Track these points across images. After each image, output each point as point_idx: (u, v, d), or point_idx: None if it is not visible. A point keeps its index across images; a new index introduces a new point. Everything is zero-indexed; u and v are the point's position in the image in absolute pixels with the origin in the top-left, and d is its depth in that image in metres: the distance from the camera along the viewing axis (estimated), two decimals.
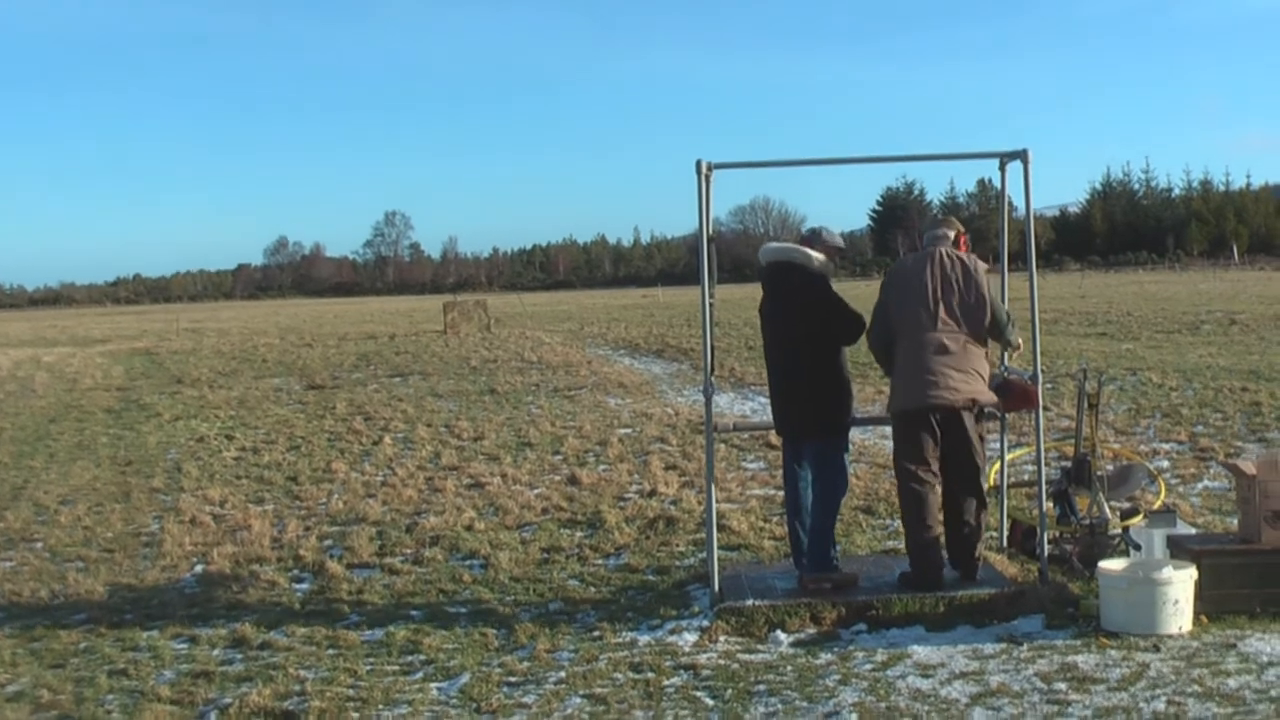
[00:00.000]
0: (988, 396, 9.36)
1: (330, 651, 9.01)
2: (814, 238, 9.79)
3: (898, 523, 11.62)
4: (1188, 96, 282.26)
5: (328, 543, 12.34)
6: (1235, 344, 30.43)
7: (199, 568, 11.61)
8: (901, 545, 10.53)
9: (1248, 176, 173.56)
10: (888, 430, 15.69)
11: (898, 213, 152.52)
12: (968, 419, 9.29)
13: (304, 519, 13.49)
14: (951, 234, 9.63)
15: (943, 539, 9.50)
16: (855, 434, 10.04)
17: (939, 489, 9.44)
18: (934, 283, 9.28)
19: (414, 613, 9.88)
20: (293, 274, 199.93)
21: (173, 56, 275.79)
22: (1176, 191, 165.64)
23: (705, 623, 9.12)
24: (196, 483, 15.96)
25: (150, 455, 18.81)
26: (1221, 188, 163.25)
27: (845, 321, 9.54)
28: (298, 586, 10.84)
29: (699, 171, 9.50)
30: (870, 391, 21.00)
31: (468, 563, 11.36)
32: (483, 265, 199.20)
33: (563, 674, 8.27)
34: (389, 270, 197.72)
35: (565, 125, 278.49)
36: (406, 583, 10.76)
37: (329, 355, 39.96)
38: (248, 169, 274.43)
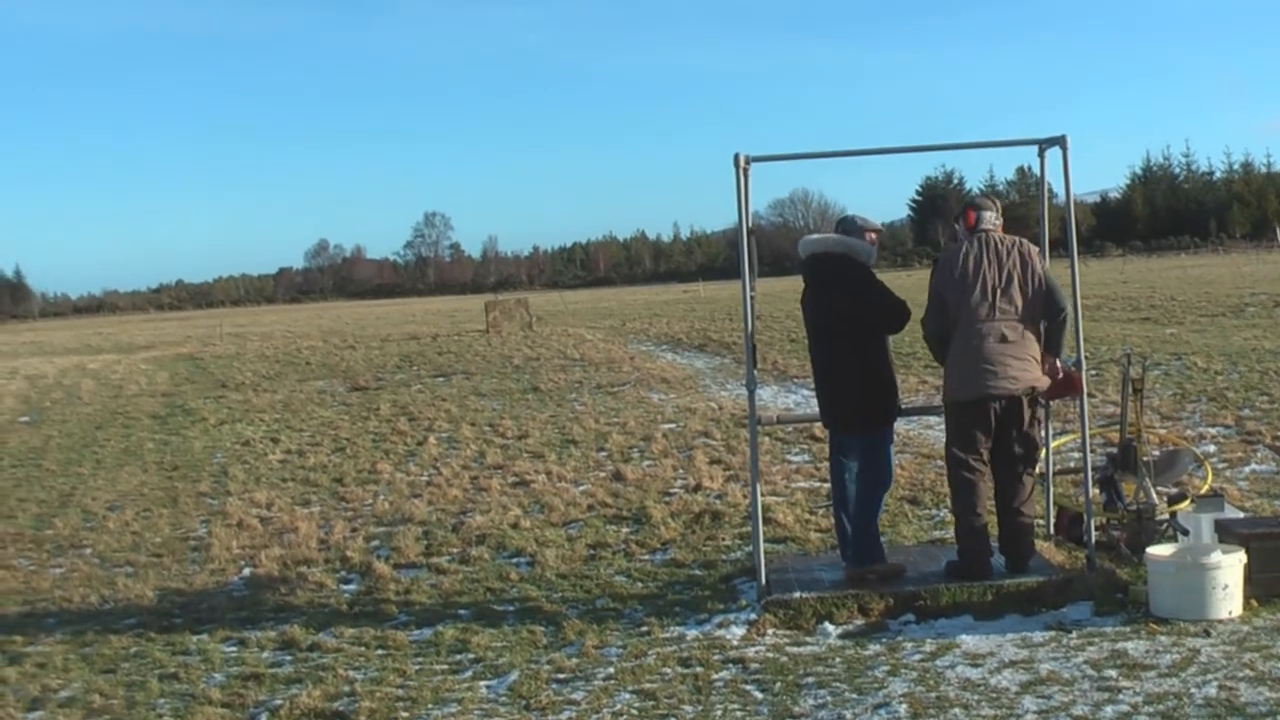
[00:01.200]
0: (1044, 382, 9.31)
1: (379, 652, 9.03)
2: (849, 225, 9.74)
3: (944, 513, 11.62)
4: (1226, 79, 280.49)
5: (374, 543, 12.38)
6: None
7: (247, 571, 11.66)
8: (947, 535, 10.52)
9: None
10: (931, 420, 15.76)
11: (937, 202, 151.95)
12: (1026, 407, 9.25)
13: (350, 520, 13.53)
14: (999, 218, 9.55)
15: (990, 528, 9.48)
16: (899, 425, 10.00)
17: (988, 478, 9.41)
18: (991, 270, 9.21)
19: (462, 611, 9.90)
20: (334, 276, 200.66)
21: (213, 60, 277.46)
22: (1218, 174, 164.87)
23: (753, 616, 9.12)
24: (243, 486, 16.03)
25: (196, 460, 18.89)
26: (1263, 169, 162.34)
27: (888, 310, 9.49)
28: (345, 588, 10.87)
29: (737, 165, 9.50)
30: (914, 382, 20.96)
31: (514, 561, 11.38)
32: (523, 264, 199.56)
33: (611, 670, 8.28)
34: (430, 271, 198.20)
35: (603, 122, 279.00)
36: (454, 582, 10.78)
37: (372, 357, 40.04)
38: (287, 172, 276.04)
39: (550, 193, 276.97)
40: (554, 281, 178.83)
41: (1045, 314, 9.33)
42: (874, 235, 9.72)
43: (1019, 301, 9.20)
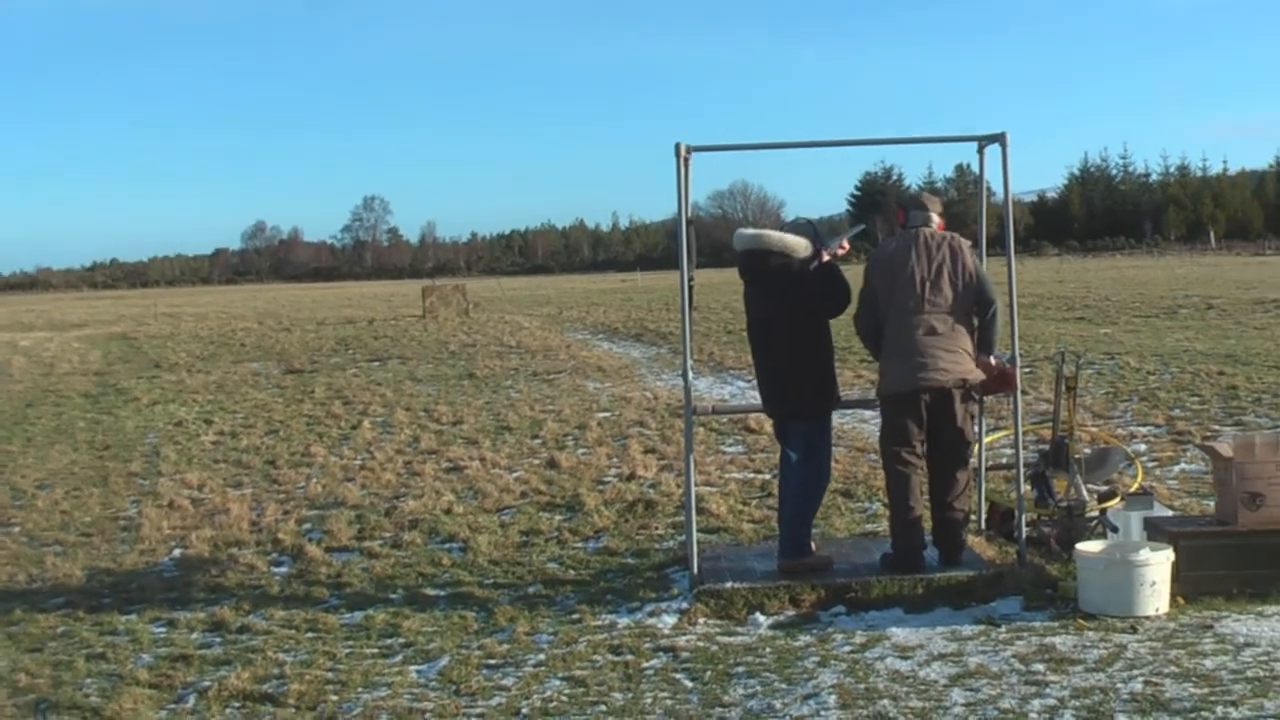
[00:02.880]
0: (976, 375, 9.37)
1: (309, 635, 9.01)
2: (793, 227, 9.77)
3: (876, 505, 11.68)
4: (1164, 82, 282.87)
5: (306, 526, 12.33)
6: (1212, 328, 30.54)
7: (177, 552, 11.59)
8: (880, 528, 10.57)
9: (1224, 162, 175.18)
10: (866, 414, 15.83)
11: (876, 198, 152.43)
12: (957, 399, 9.31)
13: (283, 503, 13.47)
14: (934, 215, 9.61)
15: (924, 521, 9.53)
16: (834, 418, 10.03)
17: (923, 471, 9.46)
18: (921, 265, 9.27)
19: (393, 596, 9.88)
20: (271, 259, 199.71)
21: (149, 41, 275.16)
22: (1154, 177, 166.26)
23: (684, 605, 9.13)
24: (175, 467, 15.93)
25: (128, 440, 18.76)
26: (1199, 173, 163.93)
27: (827, 295, 9.52)
28: (276, 570, 10.83)
29: (678, 154, 9.51)
30: (849, 375, 21.03)
31: (447, 546, 11.36)
32: (461, 250, 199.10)
33: (542, 656, 8.28)
34: (367, 255, 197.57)
35: (543, 110, 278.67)
36: (385, 566, 10.75)
37: (307, 340, 39.90)
38: (225, 153, 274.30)
39: (489, 179, 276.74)
40: (492, 268, 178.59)
41: (976, 308, 9.40)
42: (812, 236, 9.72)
43: (949, 295, 9.26)
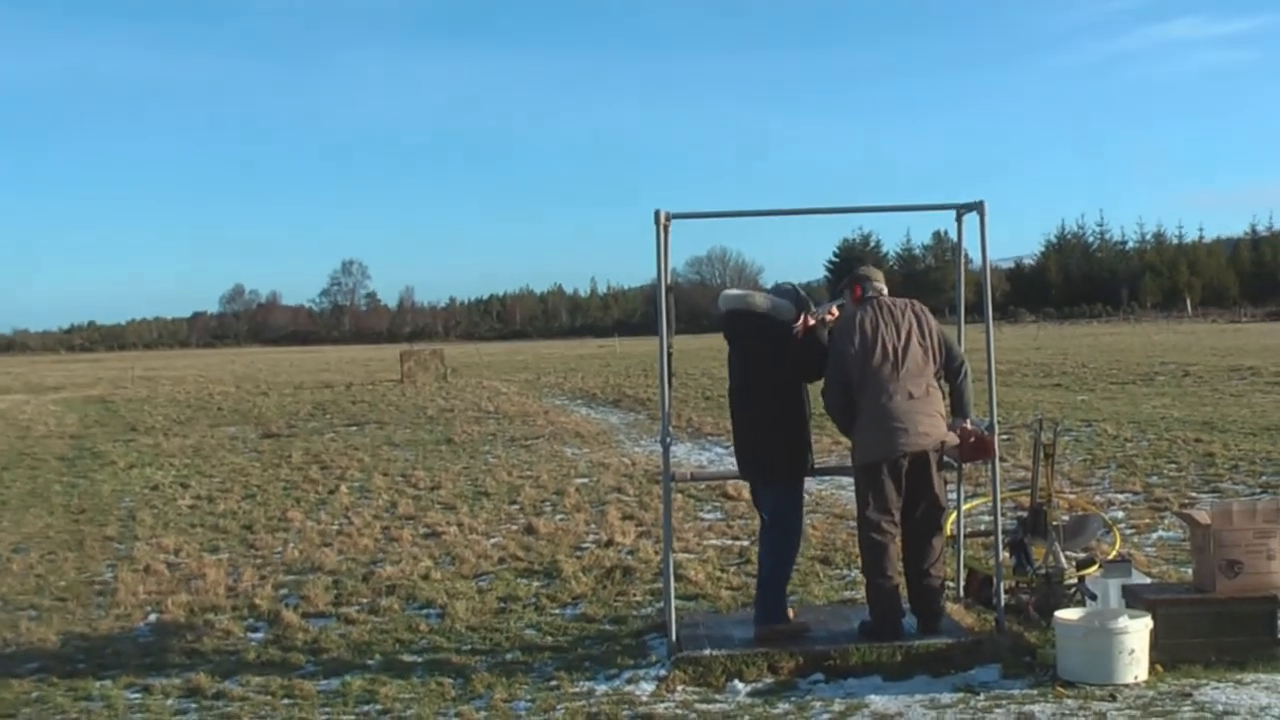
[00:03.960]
0: (952, 438, 9.40)
1: (285, 701, 8.96)
2: (777, 291, 9.84)
3: (855, 573, 11.65)
4: (1140, 151, 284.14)
5: (283, 591, 12.28)
6: (1189, 395, 30.64)
7: (153, 617, 11.53)
8: (858, 595, 10.55)
9: (1200, 229, 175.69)
10: (844, 481, 15.79)
11: (854, 264, 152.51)
12: (934, 463, 9.33)
13: (259, 568, 13.42)
14: (883, 285, 9.70)
15: (902, 588, 9.52)
16: (811, 485, 10.04)
17: (899, 540, 9.46)
18: (889, 331, 9.31)
19: (370, 662, 9.84)
20: (249, 322, 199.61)
21: (130, 104, 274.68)
22: (1130, 244, 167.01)
23: (663, 672, 9.11)
24: (151, 531, 15.87)
25: (104, 503, 18.70)
26: (1174, 241, 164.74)
27: (809, 360, 9.56)
28: (253, 635, 10.78)
29: (657, 221, 9.54)
30: (827, 442, 21.03)
31: (424, 612, 11.32)
32: (439, 315, 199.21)
33: None
34: (345, 319, 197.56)
35: (522, 175, 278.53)
36: (363, 632, 10.71)
37: (285, 404, 39.85)
38: (204, 216, 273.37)
39: (468, 244, 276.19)
40: (470, 333, 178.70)
41: (946, 370, 9.45)
42: (796, 301, 9.77)
43: (920, 359, 9.31)
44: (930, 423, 9.26)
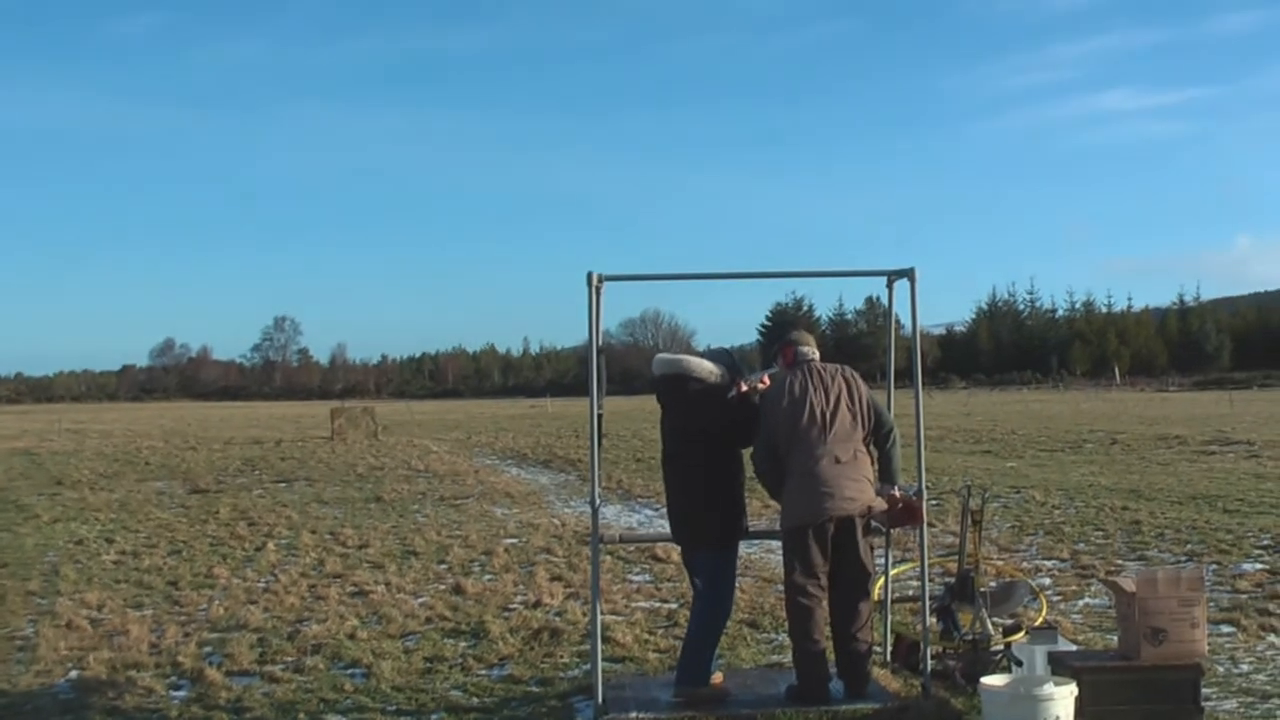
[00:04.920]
0: (879, 503, 9.44)
1: None
2: (711, 355, 9.88)
3: (782, 637, 11.64)
4: (1072, 221, 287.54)
5: (207, 649, 12.15)
6: (1116, 463, 30.86)
7: (74, 673, 11.39)
8: (785, 659, 10.55)
9: (1129, 299, 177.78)
10: (773, 544, 15.81)
11: (786, 328, 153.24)
12: (860, 529, 9.35)
13: (184, 624, 13.29)
14: (814, 350, 9.76)
15: (829, 653, 9.52)
16: (741, 548, 10.05)
17: (826, 603, 9.47)
18: (818, 395, 9.36)
19: None
20: (179, 376, 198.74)
21: (55, 152, 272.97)
22: (1060, 312, 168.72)
23: None
24: (74, 586, 15.70)
25: (27, 557, 18.50)
26: (1104, 309, 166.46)
27: (741, 425, 9.58)
28: (175, 694, 10.65)
29: (590, 283, 9.55)
30: (757, 505, 21.04)
31: (350, 671, 11.22)
32: (371, 372, 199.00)
33: None
34: (276, 375, 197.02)
35: (455, 234, 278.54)
36: (287, 691, 10.60)
37: (213, 459, 39.60)
38: (134, 269, 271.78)
39: (401, 302, 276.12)
40: (402, 391, 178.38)
41: (875, 436, 9.49)
42: (728, 365, 9.81)
43: (848, 424, 9.35)
44: (856, 488, 9.30)
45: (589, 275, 9.56)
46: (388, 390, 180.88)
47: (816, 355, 9.73)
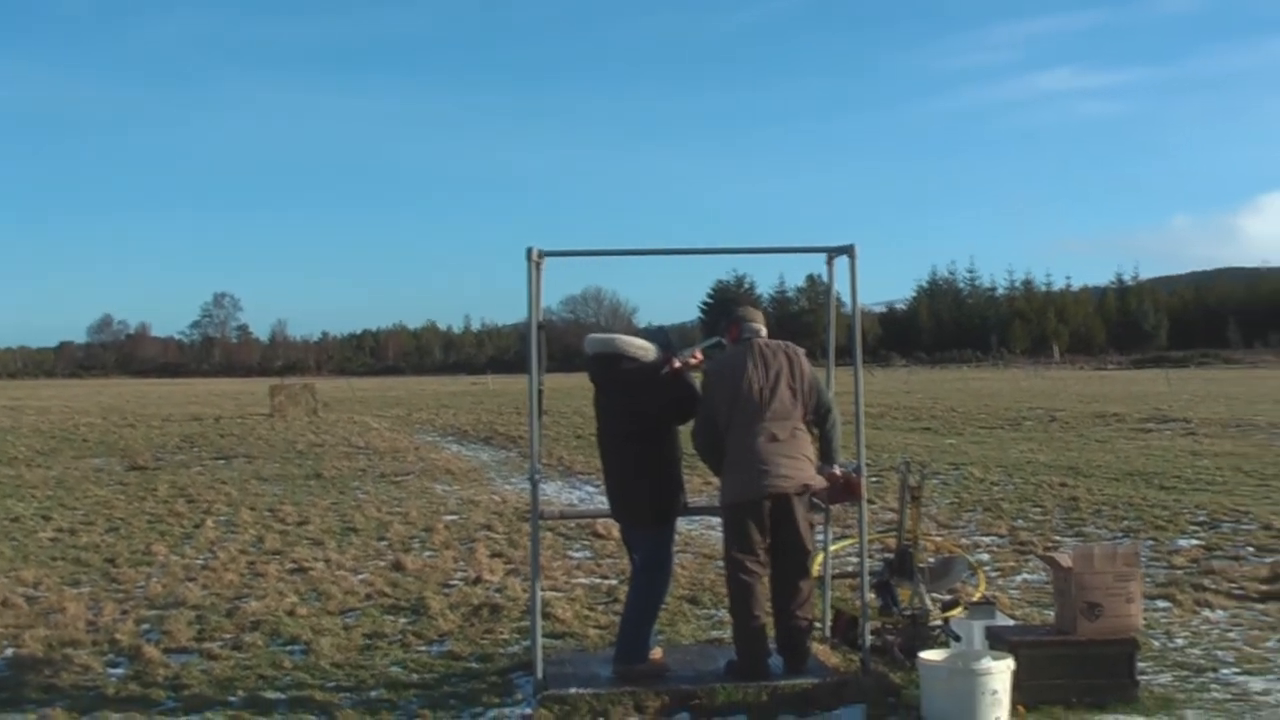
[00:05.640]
0: (817, 481, 9.44)
1: None
2: (645, 333, 9.86)
3: (722, 612, 11.66)
4: (1011, 201, 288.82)
5: (145, 626, 12.08)
6: (1055, 440, 31.07)
7: (9, 651, 11.29)
8: (726, 635, 10.57)
9: (1068, 279, 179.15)
10: (713, 521, 15.84)
11: (728, 305, 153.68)
12: (798, 506, 9.34)
13: (121, 602, 13.21)
14: (761, 326, 9.75)
15: (769, 628, 9.54)
16: (681, 525, 10.06)
17: (766, 579, 9.49)
18: (759, 373, 9.36)
19: (232, 699, 9.69)
20: (117, 353, 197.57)
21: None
22: (1000, 291, 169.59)
23: (528, 711, 9.06)
24: (10, 564, 15.58)
25: None
26: (1043, 288, 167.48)
27: (675, 402, 9.57)
28: (112, 671, 10.58)
29: (529, 259, 9.53)
30: (698, 482, 21.08)
31: (289, 648, 11.18)
32: (312, 349, 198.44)
33: None
34: (216, 352, 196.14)
35: (397, 211, 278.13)
36: (225, 668, 10.56)
37: (152, 436, 39.39)
38: (72, 245, 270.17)
39: (342, 279, 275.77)
40: (342, 368, 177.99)
41: (814, 416, 9.50)
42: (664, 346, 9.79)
43: (787, 402, 9.34)
44: (792, 465, 9.29)
45: (529, 250, 9.54)
46: (328, 367, 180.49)
47: (763, 332, 9.72)
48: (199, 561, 15.53)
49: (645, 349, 9.58)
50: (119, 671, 10.56)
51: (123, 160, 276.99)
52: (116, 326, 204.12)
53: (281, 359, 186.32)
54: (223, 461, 29.97)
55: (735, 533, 9.44)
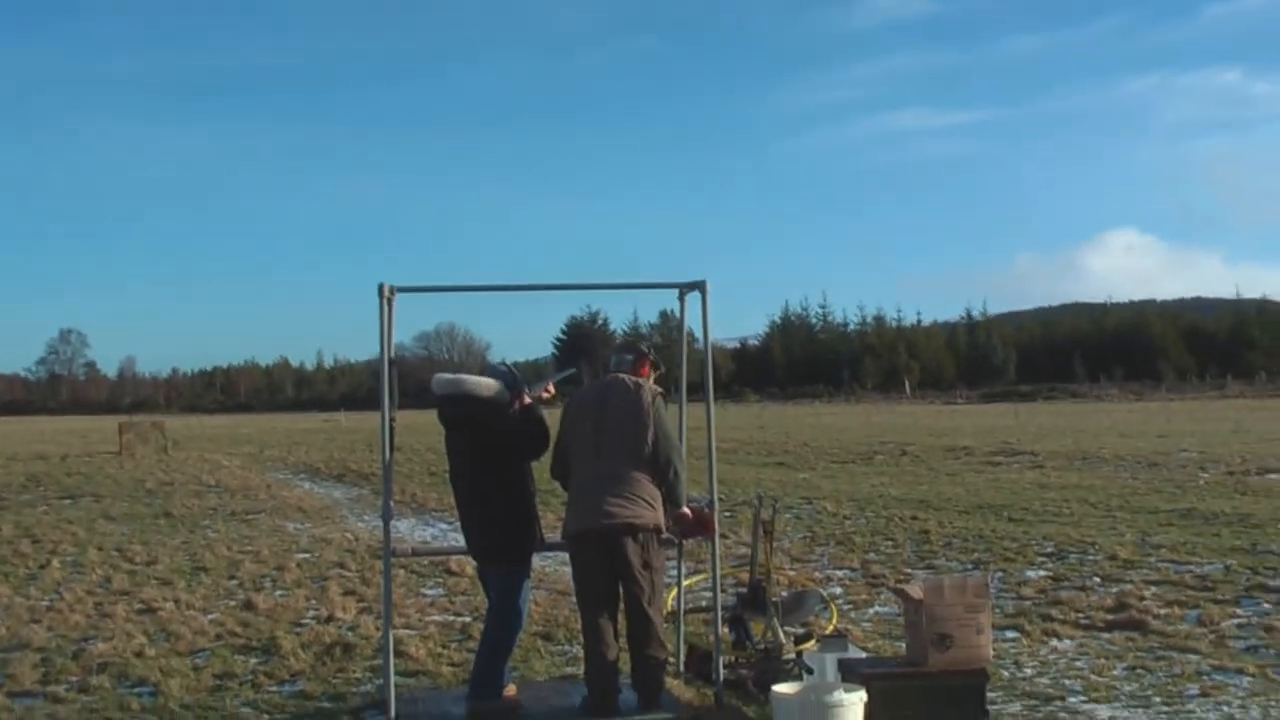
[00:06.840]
0: (649, 522, 9.34)
1: None
2: (490, 371, 9.85)
3: (576, 648, 11.65)
4: (862, 238, 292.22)
5: None
6: (906, 474, 31.39)
7: None
8: (580, 671, 10.56)
9: (918, 314, 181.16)
10: (565, 556, 15.83)
11: (582, 341, 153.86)
12: (630, 545, 9.28)
13: None
14: (632, 357, 9.75)
15: (620, 664, 9.53)
16: (535, 560, 10.05)
17: (617, 615, 9.47)
18: (603, 410, 9.38)
19: None
20: None
21: None
22: (852, 326, 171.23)
23: None
24: None
25: None
26: (894, 324, 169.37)
27: (526, 439, 9.57)
28: None
29: (381, 295, 9.49)
30: (552, 518, 21.06)
31: (137, 690, 11.01)
32: (161, 386, 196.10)
33: None
34: (62, 389, 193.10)
35: (247, 245, 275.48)
36: (71, 711, 10.38)
37: None
38: None
39: (191, 315, 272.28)
40: (193, 405, 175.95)
41: (653, 469, 9.41)
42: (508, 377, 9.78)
43: (625, 442, 9.32)
44: (620, 504, 9.22)
45: (380, 286, 9.50)
46: (178, 404, 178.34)
47: (630, 364, 9.71)
48: (44, 603, 15.25)
49: (491, 387, 9.57)
50: None
51: None
52: None
53: (130, 396, 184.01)
54: (69, 501, 29.49)
55: (574, 566, 9.52)
